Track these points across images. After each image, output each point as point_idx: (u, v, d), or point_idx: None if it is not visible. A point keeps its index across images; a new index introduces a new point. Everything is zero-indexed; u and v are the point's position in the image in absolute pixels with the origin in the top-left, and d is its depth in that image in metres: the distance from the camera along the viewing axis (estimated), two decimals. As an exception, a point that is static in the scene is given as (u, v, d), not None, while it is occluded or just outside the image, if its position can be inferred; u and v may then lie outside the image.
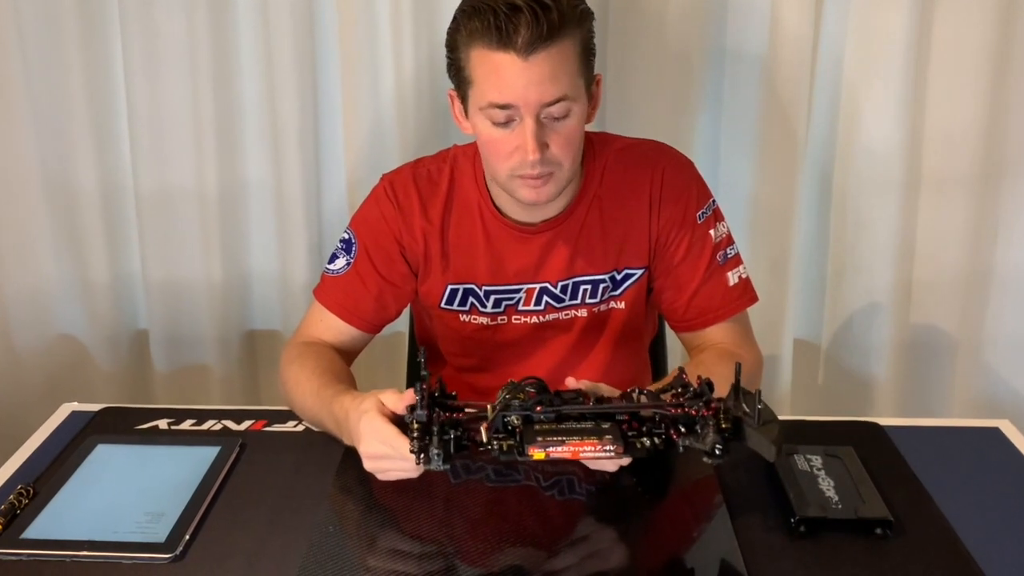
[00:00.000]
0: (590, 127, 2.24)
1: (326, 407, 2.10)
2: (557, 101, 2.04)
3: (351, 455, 1.99)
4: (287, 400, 2.27)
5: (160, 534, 1.82)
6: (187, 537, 1.81)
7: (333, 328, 2.36)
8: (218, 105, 3.22)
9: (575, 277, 2.35)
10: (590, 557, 1.81)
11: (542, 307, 2.37)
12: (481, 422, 1.76)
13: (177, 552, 1.77)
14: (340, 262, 2.36)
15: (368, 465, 1.90)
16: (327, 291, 2.37)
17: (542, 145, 2.06)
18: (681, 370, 1.89)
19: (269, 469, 2.07)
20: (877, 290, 3.35)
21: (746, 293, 2.38)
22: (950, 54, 3.14)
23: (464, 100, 2.15)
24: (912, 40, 3.08)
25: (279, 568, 1.75)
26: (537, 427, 1.75)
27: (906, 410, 3.45)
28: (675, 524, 1.97)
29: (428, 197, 2.34)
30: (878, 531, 1.82)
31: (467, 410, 1.81)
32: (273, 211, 3.35)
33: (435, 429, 1.71)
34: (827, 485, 1.92)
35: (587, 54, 2.12)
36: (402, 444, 1.80)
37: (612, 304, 2.39)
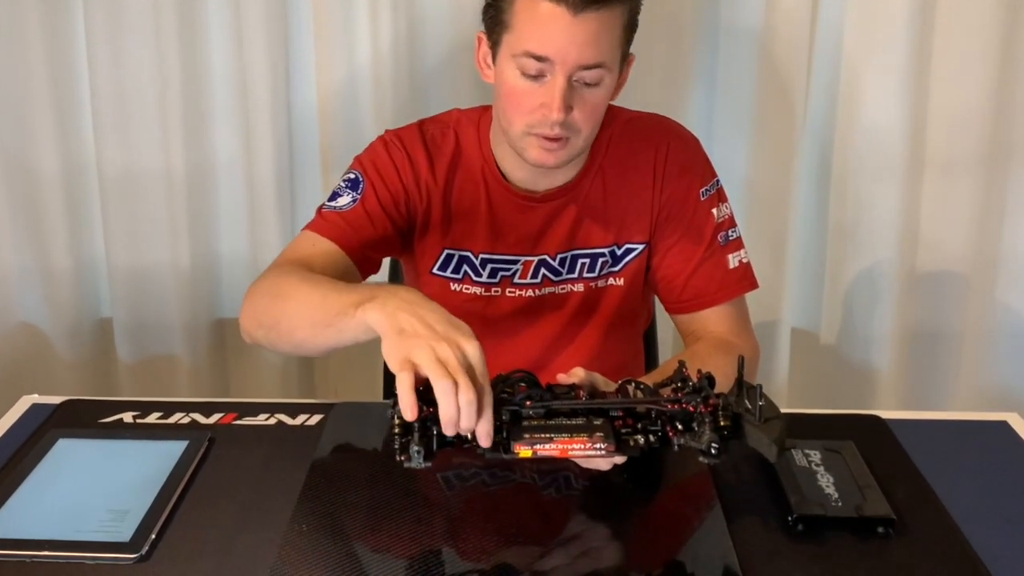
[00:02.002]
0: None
1: (347, 289, 1.93)
2: (595, 67, 2.07)
3: (326, 450, 1.99)
4: (262, 311, 2.10)
5: (125, 533, 1.80)
6: (153, 536, 1.80)
7: (328, 255, 2.24)
8: (185, 81, 3.21)
9: (575, 250, 2.36)
10: (576, 557, 1.79)
11: (539, 280, 2.38)
12: None
13: (142, 552, 1.76)
14: (344, 199, 2.31)
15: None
16: (326, 222, 2.29)
17: (567, 107, 2.08)
18: (681, 364, 1.87)
19: (239, 464, 2.05)
20: (879, 277, 3.36)
21: (746, 278, 2.39)
22: (955, 29, 3.15)
23: (495, 45, 2.15)
24: (915, 14, 3.09)
25: (250, 568, 1.74)
26: (525, 423, 1.74)
27: (909, 403, 3.46)
28: (666, 523, 1.96)
29: (435, 156, 2.35)
30: (880, 530, 1.82)
31: None
32: (244, 192, 3.35)
33: (416, 426, 1.68)
34: (826, 482, 1.92)
35: (631, 28, 2.15)
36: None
37: (610, 280, 2.40)
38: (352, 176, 2.34)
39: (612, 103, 2.27)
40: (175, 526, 1.85)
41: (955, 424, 2.29)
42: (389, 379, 2.79)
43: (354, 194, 2.31)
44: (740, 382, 1.79)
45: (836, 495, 1.88)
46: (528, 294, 2.40)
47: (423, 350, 1.66)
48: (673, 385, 1.84)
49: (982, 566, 1.74)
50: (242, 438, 2.16)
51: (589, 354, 2.42)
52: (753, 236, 3.26)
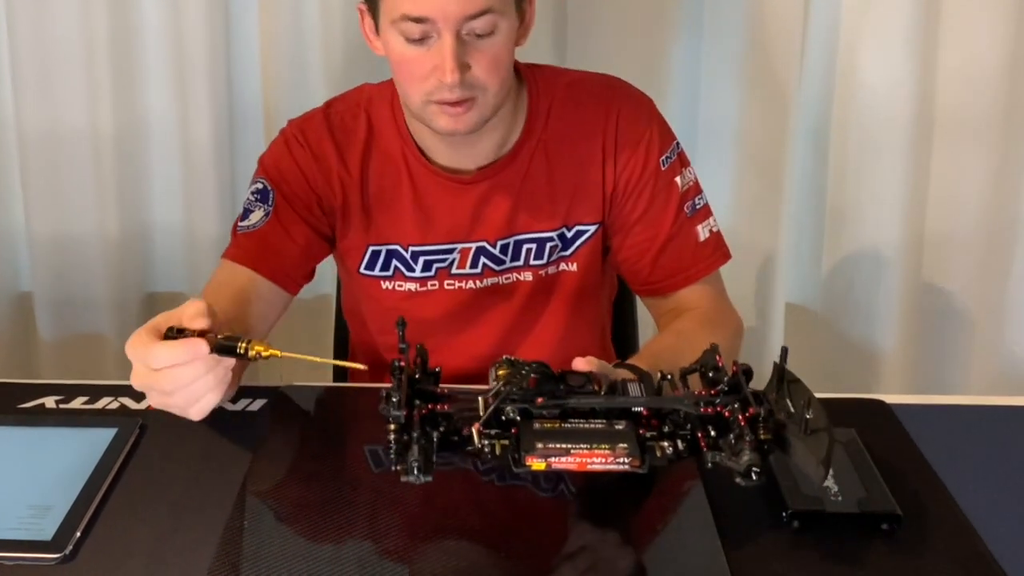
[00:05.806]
0: (528, 55, 2.23)
1: None
2: (481, 14, 2.03)
3: (269, 439, 1.98)
4: None
5: (47, 531, 1.80)
6: (78, 534, 1.79)
7: (247, 288, 2.26)
8: (114, 33, 3.21)
9: (517, 235, 2.35)
10: (546, 556, 1.79)
11: (479, 270, 2.37)
12: (471, 416, 1.66)
13: (66, 551, 1.75)
14: (256, 215, 2.31)
15: (147, 388, 1.93)
16: (240, 248, 2.31)
17: (462, 65, 2.05)
18: (714, 348, 1.80)
19: (174, 455, 2.05)
20: (882, 247, 3.36)
21: (718, 249, 2.40)
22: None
23: (375, 14, 2.14)
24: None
25: (185, 570, 1.73)
26: (537, 425, 1.65)
27: (917, 386, 3.48)
28: (646, 519, 1.94)
29: (344, 145, 2.33)
30: (884, 526, 1.82)
31: (447, 403, 1.71)
32: (178, 156, 3.34)
33: (415, 435, 1.59)
34: (825, 473, 1.93)
35: None
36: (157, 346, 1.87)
37: (562, 266, 2.39)
38: (259, 187, 2.34)
39: (552, 64, 2.26)
40: (102, 523, 1.84)
41: (967, 410, 2.29)
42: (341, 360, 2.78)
43: (265, 206, 2.31)
44: (781, 377, 1.72)
45: (835, 488, 1.88)
46: (469, 286, 2.39)
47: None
48: (702, 369, 1.79)
49: (996, 565, 1.74)
50: (177, 426, 2.13)
51: (550, 343, 2.42)
52: (743, 199, 3.27)
